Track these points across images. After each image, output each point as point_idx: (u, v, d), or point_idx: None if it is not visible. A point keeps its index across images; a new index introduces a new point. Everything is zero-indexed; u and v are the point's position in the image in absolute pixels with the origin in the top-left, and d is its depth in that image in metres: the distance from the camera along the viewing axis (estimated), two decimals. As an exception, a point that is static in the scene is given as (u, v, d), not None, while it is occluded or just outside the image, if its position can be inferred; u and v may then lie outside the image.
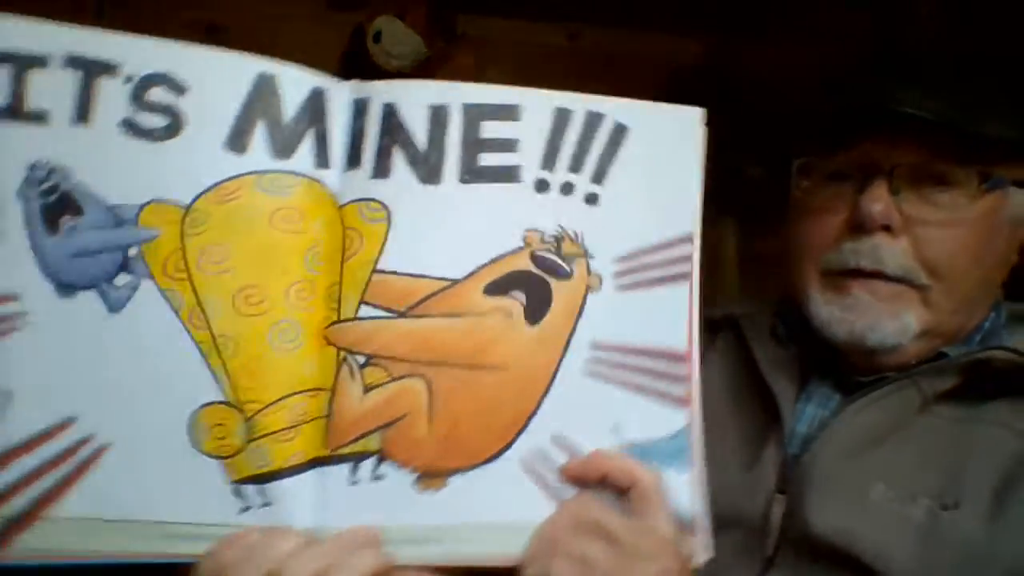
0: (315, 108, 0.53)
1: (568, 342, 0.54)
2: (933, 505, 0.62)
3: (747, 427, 0.73)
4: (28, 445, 0.50)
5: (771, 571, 0.67)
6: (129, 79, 0.51)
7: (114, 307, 0.50)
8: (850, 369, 0.71)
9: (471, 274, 0.53)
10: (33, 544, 0.49)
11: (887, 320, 0.67)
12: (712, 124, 0.57)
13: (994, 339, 0.70)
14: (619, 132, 0.56)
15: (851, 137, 0.68)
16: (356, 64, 1.72)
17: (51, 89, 0.50)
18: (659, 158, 0.57)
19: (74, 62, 0.50)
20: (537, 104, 0.55)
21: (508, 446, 0.53)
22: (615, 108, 0.56)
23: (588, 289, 0.55)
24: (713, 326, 0.82)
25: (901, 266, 0.66)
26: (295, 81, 0.53)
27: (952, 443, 0.64)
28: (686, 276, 0.56)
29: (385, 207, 0.53)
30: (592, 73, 1.82)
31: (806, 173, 0.72)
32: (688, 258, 0.56)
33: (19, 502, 0.49)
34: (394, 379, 0.52)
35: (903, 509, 0.63)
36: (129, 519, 0.50)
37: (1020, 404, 0.65)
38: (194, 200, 0.51)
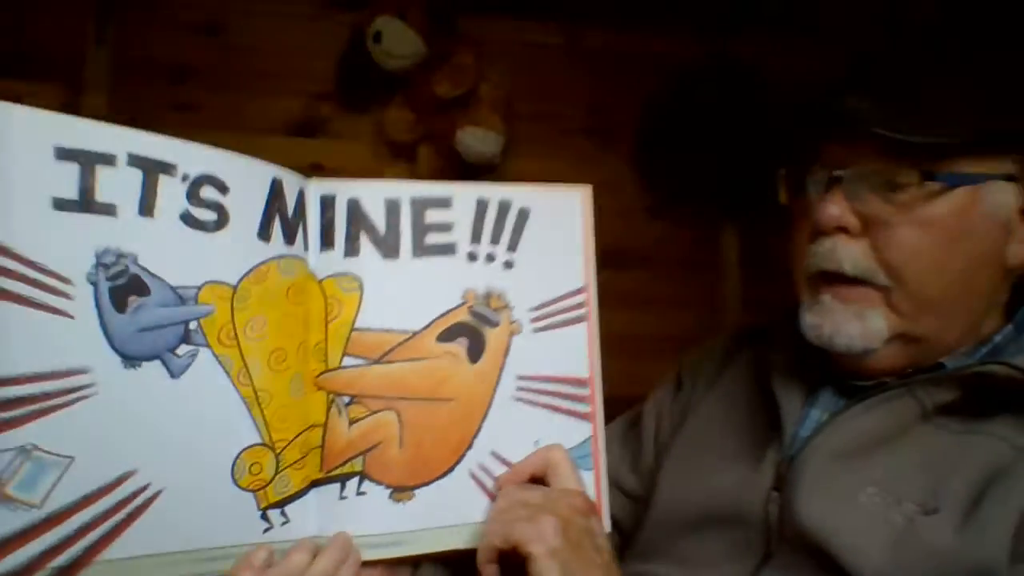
0: (301, 203, 0.66)
1: (499, 376, 0.70)
2: (916, 511, 0.63)
3: (755, 430, 0.77)
4: (86, 501, 0.55)
5: (768, 565, 0.70)
6: (185, 178, 0.59)
7: (176, 373, 0.58)
8: (847, 374, 0.73)
9: (426, 326, 0.69)
10: None
11: (852, 322, 0.68)
12: (715, 126, 0.74)
13: (1007, 353, 0.69)
14: (523, 214, 0.72)
15: (818, 144, 0.71)
16: (356, 64, 1.67)
17: (118, 184, 0.56)
18: (553, 230, 0.73)
19: (137, 161, 0.57)
20: (463, 196, 0.71)
21: (458, 462, 0.68)
22: (518, 194, 0.72)
23: (512, 334, 0.71)
24: (740, 339, 0.89)
25: (858, 266, 0.67)
26: (291, 183, 0.65)
27: (947, 453, 0.65)
28: (583, 319, 0.72)
29: (357, 279, 0.68)
30: (591, 73, 1.86)
31: (788, 180, 0.74)
32: (583, 304, 0.72)
33: (73, 551, 0.54)
34: (372, 413, 0.67)
35: (887, 512, 0.64)
36: (170, 551, 0.58)
37: (1023, 420, 0.65)
38: (239, 280, 0.61)
